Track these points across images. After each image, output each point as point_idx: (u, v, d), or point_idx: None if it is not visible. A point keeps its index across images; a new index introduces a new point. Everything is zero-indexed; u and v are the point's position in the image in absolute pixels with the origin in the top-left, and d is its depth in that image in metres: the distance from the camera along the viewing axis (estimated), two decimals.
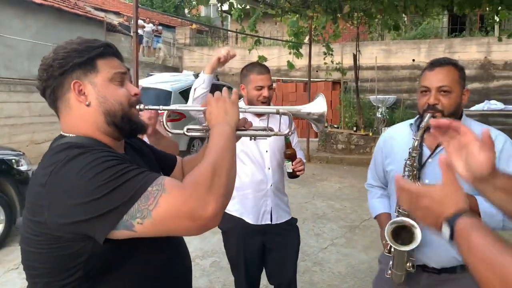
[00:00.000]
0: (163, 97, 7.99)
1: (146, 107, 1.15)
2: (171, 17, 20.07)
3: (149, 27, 15.94)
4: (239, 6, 6.69)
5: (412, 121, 1.84)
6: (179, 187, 0.92)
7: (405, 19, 11.47)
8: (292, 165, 2.28)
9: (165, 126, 1.29)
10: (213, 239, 4.36)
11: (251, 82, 2.32)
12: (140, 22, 15.18)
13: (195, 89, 2.23)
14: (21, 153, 4.77)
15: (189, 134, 1.26)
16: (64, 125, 1.09)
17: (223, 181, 0.95)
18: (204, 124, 1.24)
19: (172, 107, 1.24)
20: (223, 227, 2.43)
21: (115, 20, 15.17)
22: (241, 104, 2.27)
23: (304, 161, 2.40)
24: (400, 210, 1.63)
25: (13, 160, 4.53)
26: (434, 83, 1.64)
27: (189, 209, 0.88)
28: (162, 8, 21.94)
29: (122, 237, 0.92)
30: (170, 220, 0.90)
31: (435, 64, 1.68)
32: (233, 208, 2.37)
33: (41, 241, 0.94)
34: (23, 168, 4.59)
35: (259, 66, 2.40)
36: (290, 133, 1.38)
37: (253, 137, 1.32)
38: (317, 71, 12.90)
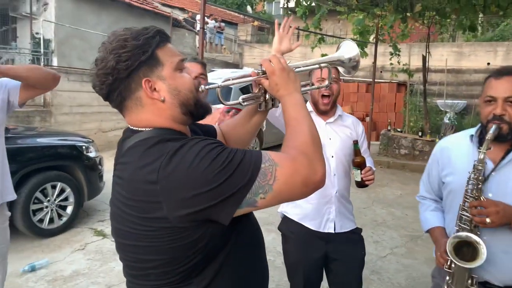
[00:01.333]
0: (224, 92, 8.03)
1: (206, 87, 1.15)
2: (234, 13, 20.35)
3: (212, 23, 16.23)
4: (305, 3, 6.58)
5: (472, 131, 1.74)
6: (288, 159, 0.97)
7: (482, 19, 10.70)
8: (361, 173, 2.18)
9: (220, 98, 1.24)
10: (268, 237, 4.32)
11: (313, 77, 2.24)
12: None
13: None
14: (90, 140, 5.01)
15: (245, 104, 1.28)
16: (135, 121, 1.07)
17: (320, 147, 1.04)
18: (256, 92, 1.26)
19: (229, 81, 1.19)
20: (283, 229, 2.35)
21: (180, 16, 15.62)
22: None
23: (374, 169, 2.27)
24: (461, 225, 1.58)
25: (83, 147, 4.77)
26: (502, 93, 1.55)
27: (303, 177, 0.95)
28: (225, 5, 22.30)
29: (240, 214, 0.97)
30: (289, 190, 0.96)
31: (503, 72, 1.59)
32: (293, 212, 2.29)
33: (160, 235, 0.95)
34: (92, 154, 4.83)
35: None
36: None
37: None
38: (381, 71, 12.46)
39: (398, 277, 3.74)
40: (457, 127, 9.13)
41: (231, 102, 1.28)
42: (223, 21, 17.83)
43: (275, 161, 0.96)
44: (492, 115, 1.56)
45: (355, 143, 2.23)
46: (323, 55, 7.04)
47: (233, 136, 1.42)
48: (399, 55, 8.69)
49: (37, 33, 10.25)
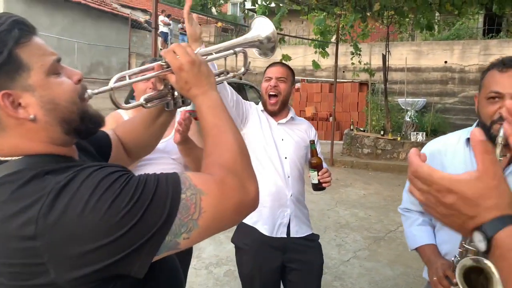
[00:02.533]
0: None
1: (94, 92, 0.88)
2: (198, 14, 20.05)
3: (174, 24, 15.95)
4: (263, 3, 6.48)
5: (465, 134, 1.51)
6: (214, 182, 0.79)
7: (438, 18, 10.96)
8: (318, 175, 2.08)
9: (115, 103, 0.97)
10: (228, 246, 4.16)
11: (264, 76, 2.24)
12: (165, 19, 15.22)
13: None
14: None
15: (149, 105, 1.03)
16: None
17: (249, 159, 0.88)
18: (161, 89, 1.03)
19: (124, 81, 0.95)
20: (236, 241, 2.24)
21: (141, 17, 15.24)
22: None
23: (330, 172, 2.18)
24: (466, 246, 1.28)
25: None
26: (509, 88, 1.29)
27: (235, 204, 0.80)
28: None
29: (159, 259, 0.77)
30: (218, 222, 0.79)
31: (508, 63, 1.33)
32: (247, 216, 2.18)
33: None
34: None
35: (277, 62, 2.29)
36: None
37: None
38: (343, 71, 12.57)
39: (361, 282, 3.67)
40: (418, 125, 9.29)
41: (131, 105, 1.02)
42: None
43: (197, 187, 0.77)
44: (498, 114, 1.30)
45: (312, 143, 2.15)
46: (283, 56, 6.97)
47: (133, 142, 1.15)
48: (360, 54, 8.73)
49: None
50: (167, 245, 0.74)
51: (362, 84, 12.11)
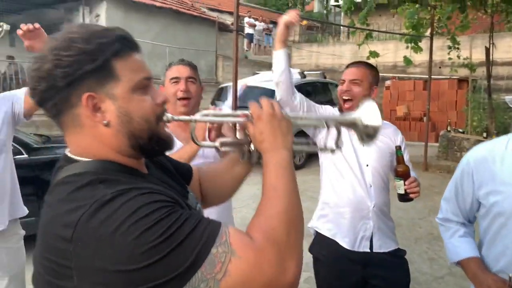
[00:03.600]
0: (268, 95, 7.75)
1: (174, 118, 0.92)
2: (282, 14, 20.07)
3: (260, 25, 16.15)
4: None
5: None
6: (251, 247, 0.74)
7: None
8: (405, 185, 1.90)
9: (194, 138, 1.06)
10: (308, 253, 3.99)
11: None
12: (251, 20, 15.47)
13: (272, 71, 2.03)
14: None
15: (223, 149, 1.07)
16: (73, 146, 0.86)
17: (300, 235, 0.81)
18: (239, 138, 1.07)
19: (207, 117, 1.02)
20: (314, 251, 2.15)
21: (228, 20, 15.68)
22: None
23: (419, 182, 1.98)
24: None
25: None
26: None
27: (267, 278, 0.72)
28: (276, 7, 22.12)
29: None
30: None
31: None
32: (325, 227, 2.09)
33: None
34: None
35: (354, 63, 2.19)
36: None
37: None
38: (439, 67, 11.65)
39: None
40: None
41: (207, 143, 1.12)
42: (271, 22, 17.73)
43: (232, 246, 0.72)
44: None
45: (398, 149, 1.97)
46: (371, 52, 6.59)
47: (210, 185, 1.19)
48: (458, 48, 8.00)
49: None
50: None
51: (461, 80, 11.12)
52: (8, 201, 2.13)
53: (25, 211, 2.26)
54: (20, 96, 2.11)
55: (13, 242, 2.19)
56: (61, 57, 0.77)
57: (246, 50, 15.52)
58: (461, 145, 8.39)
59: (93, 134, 0.82)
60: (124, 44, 0.83)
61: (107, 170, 0.81)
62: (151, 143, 0.86)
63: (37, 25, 1.83)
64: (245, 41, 15.58)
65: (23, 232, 2.28)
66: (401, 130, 2.27)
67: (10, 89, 7.96)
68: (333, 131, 1.11)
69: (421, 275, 3.72)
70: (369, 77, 2.06)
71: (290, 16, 1.94)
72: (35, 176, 3.89)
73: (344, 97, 2.04)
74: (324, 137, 2.06)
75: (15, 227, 2.21)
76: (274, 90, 7.92)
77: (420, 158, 8.05)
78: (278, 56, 1.98)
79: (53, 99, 0.80)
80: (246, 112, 0.99)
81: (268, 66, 14.28)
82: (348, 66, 2.14)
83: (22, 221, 2.29)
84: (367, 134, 1.14)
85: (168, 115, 0.90)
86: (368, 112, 1.14)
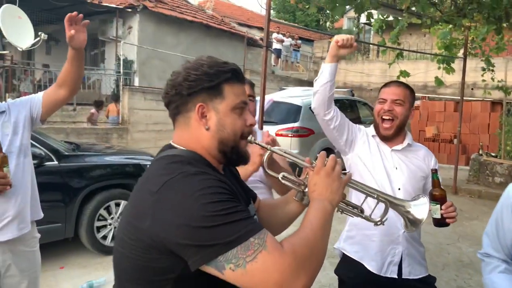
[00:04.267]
0: (293, 111, 7.78)
1: (255, 141, 1.17)
2: (310, 31, 20.18)
3: (288, 41, 16.21)
4: (380, 16, 6.11)
5: None
6: (280, 250, 0.92)
7: None
8: (442, 209, 1.81)
9: (265, 164, 1.28)
10: (331, 273, 3.86)
11: (378, 96, 2.08)
12: (278, 36, 15.53)
13: (315, 81, 2.00)
14: None
15: (284, 182, 1.25)
16: (177, 137, 1.14)
17: (317, 263, 0.98)
18: (301, 178, 1.25)
19: (280, 150, 1.24)
20: (340, 273, 2.10)
21: (256, 35, 15.81)
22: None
23: (455, 206, 1.90)
24: None
25: (148, 166, 4.78)
26: None
27: (281, 278, 0.89)
28: (304, 23, 22.20)
29: (207, 271, 0.93)
30: (259, 279, 0.90)
31: None
32: (352, 250, 2.04)
33: (135, 246, 0.96)
34: None
35: (394, 82, 2.11)
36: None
37: (339, 210, 1.29)
38: (472, 89, 11.35)
39: None
40: None
41: (272, 173, 1.28)
42: (300, 38, 17.76)
43: (267, 243, 0.92)
44: None
45: (434, 172, 1.88)
46: (401, 72, 6.48)
47: (265, 216, 1.36)
48: (493, 70, 7.78)
49: (122, 55, 10.95)
50: (216, 263, 0.90)
51: (495, 103, 10.82)
52: (30, 203, 2.15)
53: (41, 214, 2.28)
54: (38, 100, 2.12)
55: (32, 245, 2.21)
56: (190, 74, 1.07)
57: (274, 65, 15.57)
58: (493, 170, 8.09)
59: (195, 133, 1.10)
60: (234, 75, 1.10)
61: (195, 159, 1.06)
62: (232, 153, 1.11)
63: (81, 15, 1.98)
64: (273, 56, 15.63)
65: (38, 235, 2.29)
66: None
67: None
68: (379, 204, 1.25)
69: None
70: (409, 97, 2.02)
71: (338, 36, 1.92)
72: (64, 183, 3.94)
73: (385, 117, 1.99)
74: (350, 158, 2.09)
75: (33, 230, 2.22)
76: (299, 106, 7.96)
77: (449, 181, 7.79)
78: (324, 69, 1.97)
79: (176, 102, 1.09)
80: (311, 159, 1.19)
81: (295, 82, 14.27)
82: (386, 85, 2.08)
83: (49, 226, 2.30)
84: (410, 221, 1.26)
85: (252, 138, 1.15)
86: (420, 209, 1.26)
